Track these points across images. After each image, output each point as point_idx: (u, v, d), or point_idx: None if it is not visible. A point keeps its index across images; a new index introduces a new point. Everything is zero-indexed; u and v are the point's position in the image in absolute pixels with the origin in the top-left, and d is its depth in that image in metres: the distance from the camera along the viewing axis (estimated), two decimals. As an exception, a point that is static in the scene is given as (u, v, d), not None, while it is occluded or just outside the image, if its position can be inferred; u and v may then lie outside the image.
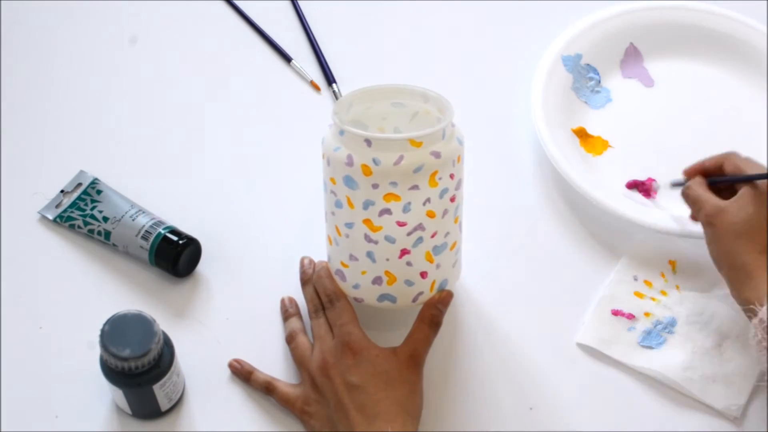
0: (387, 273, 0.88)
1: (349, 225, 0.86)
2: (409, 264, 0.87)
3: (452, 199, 0.87)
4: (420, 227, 0.86)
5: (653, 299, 0.96)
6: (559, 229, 1.01)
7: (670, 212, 1.00)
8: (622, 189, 1.03)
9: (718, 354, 0.93)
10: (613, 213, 0.98)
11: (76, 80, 1.10)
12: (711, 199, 0.91)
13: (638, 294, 0.96)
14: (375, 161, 0.83)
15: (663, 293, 0.96)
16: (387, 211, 0.85)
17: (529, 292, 0.97)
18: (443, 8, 1.16)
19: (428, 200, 0.85)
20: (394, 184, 0.84)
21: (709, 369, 0.92)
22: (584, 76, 1.09)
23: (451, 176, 0.86)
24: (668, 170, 1.03)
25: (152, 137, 1.07)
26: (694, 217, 0.94)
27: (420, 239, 0.86)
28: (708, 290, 0.96)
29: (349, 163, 0.84)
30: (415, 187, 0.84)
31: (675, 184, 0.98)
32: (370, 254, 0.87)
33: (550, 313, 0.95)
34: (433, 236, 0.87)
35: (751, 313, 0.85)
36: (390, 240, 0.86)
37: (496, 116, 1.08)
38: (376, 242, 0.86)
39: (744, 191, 0.89)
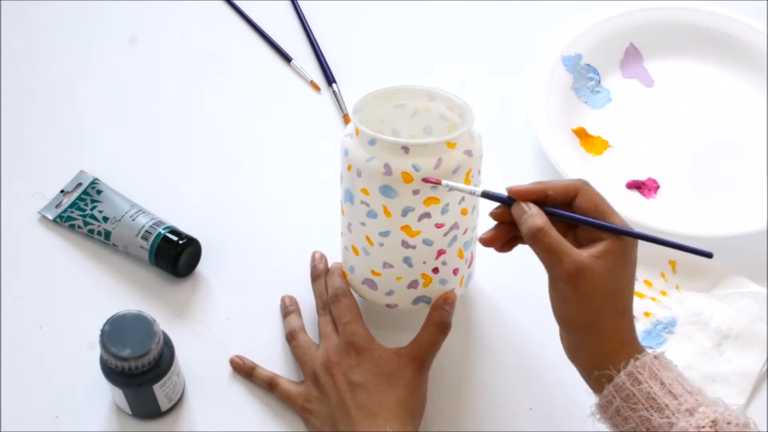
0: (423, 275, 0.88)
1: (385, 234, 0.86)
2: (444, 263, 0.88)
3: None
4: (455, 226, 0.86)
5: (653, 299, 0.96)
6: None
7: (670, 212, 1.00)
8: (622, 189, 1.03)
9: (718, 354, 0.93)
10: (613, 213, 0.98)
11: (76, 80, 1.11)
12: (571, 253, 0.76)
13: (638, 294, 0.96)
14: (415, 167, 0.82)
15: (663, 293, 0.96)
16: (426, 215, 0.84)
17: (529, 292, 0.96)
18: (443, 8, 1.16)
19: (463, 199, 0.85)
20: (434, 187, 0.83)
21: (709, 369, 0.92)
22: (584, 76, 1.09)
23: (479, 171, 0.87)
24: (668, 170, 1.04)
25: (152, 137, 1.07)
26: (546, 265, 0.77)
27: (455, 238, 0.87)
28: (708, 290, 0.96)
29: (388, 172, 0.82)
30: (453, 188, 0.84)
31: (489, 197, 0.81)
32: (407, 260, 0.87)
33: (550, 313, 0.95)
34: (464, 233, 0.87)
35: (604, 377, 0.76)
36: (428, 243, 0.86)
37: (497, 116, 1.08)
38: (414, 247, 0.86)
39: (610, 247, 0.76)
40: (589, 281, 0.76)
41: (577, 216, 0.78)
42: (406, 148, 0.82)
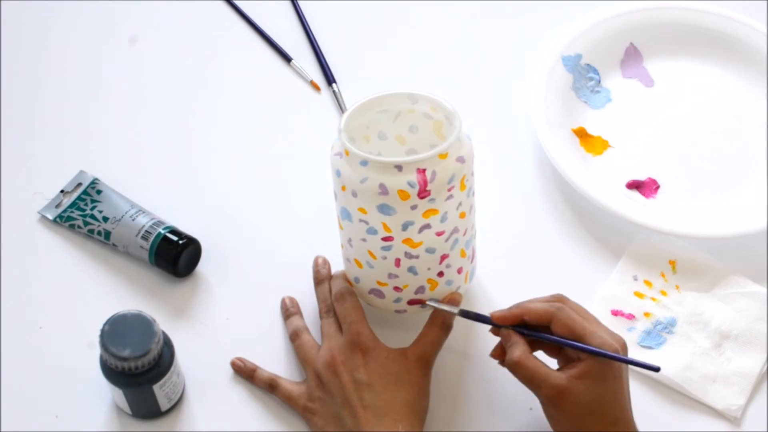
0: (429, 281, 0.88)
1: (387, 248, 0.86)
2: (448, 266, 0.88)
3: (473, 194, 0.88)
4: (455, 230, 0.86)
5: (653, 299, 0.96)
6: (559, 229, 1.01)
7: (670, 212, 1.00)
8: (622, 189, 1.03)
9: (718, 354, 0.93)
10: (613, 213, 0.98)
11: (76, 80, 1.11)
12: (549, 378, 0.81)
13: (638, 294, 0.96)
14: (410, 184, 0.82)
15: (663, 293, 0.96)
16: (427, 226, 0.84)
17: (529, 292, 0.96)
18: (443, 8, 1.16)
19: (460, 204, 0.85)
20: (432, 200, 0.83)
21: (709, 369, 0.92)
22: (584, 76, 1.09)
23: (472, 173, 0.86)
24: (668, 170, 1.04)
25: (152, 137, 1.07)
26: (531, 390, 0.82)
27: (456, 241, 0.87)
28: (708, 290, 0.96)
29: (384, 192, 0.82)
30: (450, 197, 0.84)
31: (469, 317, 0.87)
32: (411, 269, 0.87)
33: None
34: (464, 234, 0.88)
35: None
36: (431, 251, 0.86)
37: (496, 116, 1.08)
38: (417, 257, 0.86)
39: (588, 367, 0.80)
40: (571, 402, 0.80)
41: (552, 338, 0.82)
42: (399, 167, 0.82)
